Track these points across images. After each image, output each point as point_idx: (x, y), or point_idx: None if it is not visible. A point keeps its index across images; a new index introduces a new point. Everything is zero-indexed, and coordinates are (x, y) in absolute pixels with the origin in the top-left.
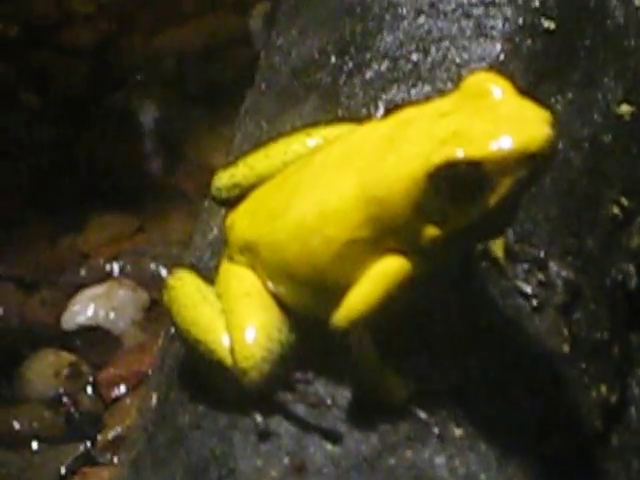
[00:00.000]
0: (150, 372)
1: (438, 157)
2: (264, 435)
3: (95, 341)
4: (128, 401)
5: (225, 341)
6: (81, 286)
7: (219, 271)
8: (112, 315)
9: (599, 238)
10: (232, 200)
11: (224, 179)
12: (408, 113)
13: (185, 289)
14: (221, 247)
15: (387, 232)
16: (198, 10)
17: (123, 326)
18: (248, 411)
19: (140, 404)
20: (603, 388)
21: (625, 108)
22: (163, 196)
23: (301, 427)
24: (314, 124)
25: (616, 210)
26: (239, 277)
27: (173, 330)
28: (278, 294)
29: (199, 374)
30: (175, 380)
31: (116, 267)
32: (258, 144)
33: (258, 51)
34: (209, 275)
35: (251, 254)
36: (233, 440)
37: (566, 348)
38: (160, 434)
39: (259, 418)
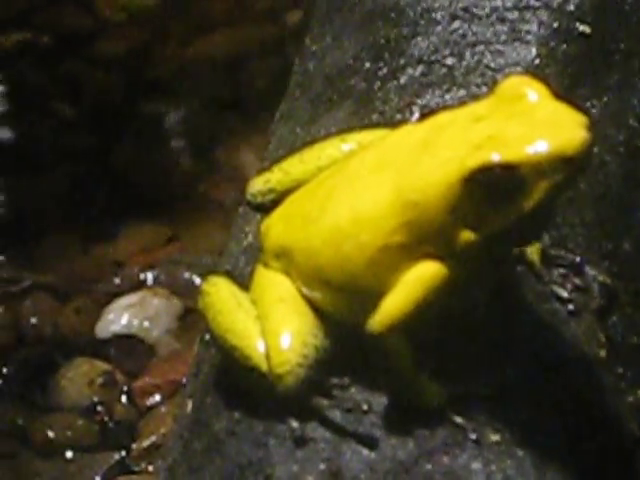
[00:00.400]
0: (184, 380)
1: (473, 161)
2: (300, 441)
3: (129, 350)
4: (163, 409)
5: (260, 347)
6: (115, 295)
7: (254, 277)
8: (146, 324)
9: (635, 242)
10: (267, 205)
11: (259, 184)
12: (443, 117)
13: (220, 295)
14: (256, 254)
15: (422, 237)
16: (230, 18)
17: (157, 335)
18: (284, 417)
19: (175, 411)
20: (639, 393)
21: None
22: (196, 205)
23: (337, 433)
24: (348, 129)
25: None
26: (274, 283)
27: (208, 336)
28: (313, 299)
29: (235, 380)
30: (210, 387)
31: (150, 276)
32: (293, 149)
33: (290, 59)
34: (244, 281)
35: (286, 259)
36: (269, 446)
37: (602, 353)
38: (196, 441)
39: (295, 424)
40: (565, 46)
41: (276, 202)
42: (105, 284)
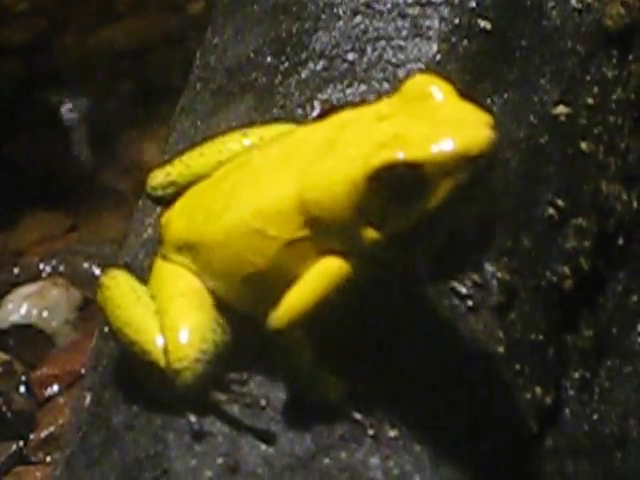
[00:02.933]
0: (83, 371)
1: (378, 160)
2: (198, 435)
3: (28, 340)
4: (61, 400)
5: (159, 342)
6: (14, 285)
7: (153, 270)
8: (45, 314)
9: (534, 239)
10: (167, 198)
11: (160, 177)
12: (348, 115)
13: (119, 289)
14: (155, 246)
15: (327, 234)
16: (132, 9)
17: (56, 325)
18: (182, 411)
19: (74, 404)
20: (538, 389)
21: (561, 109)
22: (96, 195)
23: (235, 427)
24: (250, 123)
25: (551, 211)
26: (174, 277)
27: (107, 329)
28: (217, 293)
29: (133, 374)
30: (109, 380)
31: (49, 266)
32: (194, 143)
33: (192, 50)
34: (143, 274)
35: (188, 253)
36: (167, 440)
37: (501, 349)
38: (94, 434)
39: (193, 418)
40: (466, 42)
41: (176, 195)
42: (4, 274)
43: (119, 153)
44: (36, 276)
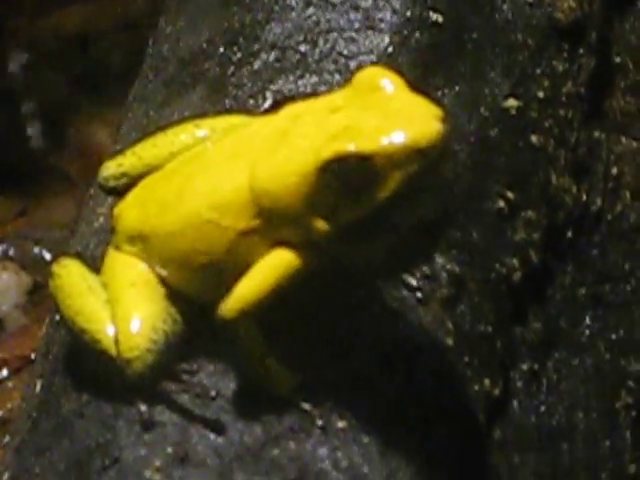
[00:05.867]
0: (33, 356)
1: (328, 151)
2: (148, 425)
3: None
4: (10, 384)
5: (110, 331)
6: None
7: (105, 260)
8: None
9: (484, 231)
10: (120, 189)
11: (112, 168)
12: (300, 107)
13: (70, 278)
14: (107, 235)
15: (278, 225)
16: None
17: (5, 309)
18: (132, 400)
19: (24, 390)
20: (486, 381)
21: (511, 102)
22: (46, 179)
23: (185, 417)
24: (202, 114)
25: (501, 204)
26: (125, 267)
27: (58, 317)
28: (170, 283)
29: (84, 362)
30: (60, 367)
31: None
32: (146, 133)
33: (142, 36)
34: (95, 264)
35: (141, 243)
36: (117, 429)
37: (450, 341)
38: (44, 421)
39: (143, 408)
40: (418, 35)
41: (129, 186)
42: None
43: (69, 137)
44: None
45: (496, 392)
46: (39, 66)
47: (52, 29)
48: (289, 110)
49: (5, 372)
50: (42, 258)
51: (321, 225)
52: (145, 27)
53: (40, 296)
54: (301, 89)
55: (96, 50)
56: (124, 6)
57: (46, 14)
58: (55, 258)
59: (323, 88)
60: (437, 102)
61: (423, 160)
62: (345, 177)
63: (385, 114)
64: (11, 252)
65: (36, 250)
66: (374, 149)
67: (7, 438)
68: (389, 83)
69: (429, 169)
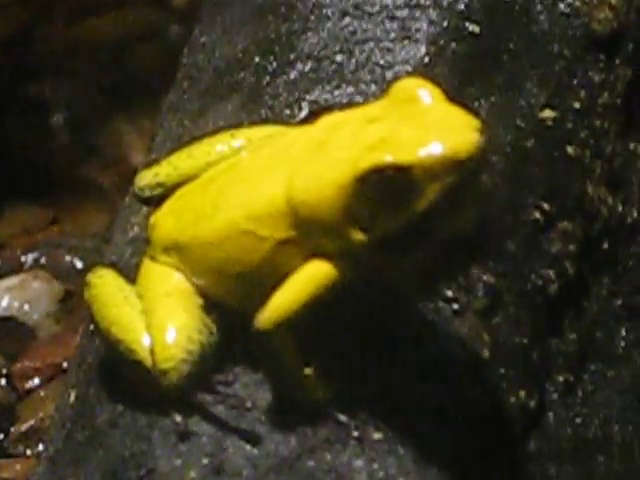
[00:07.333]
0: (64, 365)
1: (366, 162)
2: (183, 435)
3: (9, 332)
4: (42, 393)
5: (145, 342)
6: None
7: (140, 270)
8: (26, 307)
9: (520, 243)
10: (155, 199)
11: (147, 178)
12: (337, 118)
13: (106, 288)
14: (142, 245)
15: (315, 235)
16: (116, 1)
17: (37, 318)
18: (168, 411)
19: (58, 400)
20: (522, 393)
21: (547, 113)
22: (78, 188)
23: (221, 428)
24: (237, 124)
25: (537, 215)
26: (161, 277)
27: (93, 327)
28: (205, 293)
29: (119, 373)
30: (94, 378)
31: (31, 258)
32: (181, 143)
33: (175, 44)
34: (130, 273)
35: (177, 254)
36: (152, 439)
37: (486, 353)
38: (78, 432)
39: (179, 418)
40: (454, 45)
41: (164, 196)
42: None
43: (101, 146)
44: (17, 269)
45: (532, 404)
46: (71, 75)
47: (84, 38)
48: (326, 120)
49: (37, 381)
50: (74, 267)
51: (358, 236)
52: (177, 36)
53: (71, 305)
54: (337, 99)
55: (128, 59)
56: (156, 15)
57: (78, 23)
58: (87, 267)
59: (359, 98)
60: (474, 113)
61: (461, 171)
62: (383, 188)
63: (423, 125)
64: (43, 260)
65: (68, 258)
66: (412, 160)
67: (40, 447)
68: (427, 94)
69: (466, 180)
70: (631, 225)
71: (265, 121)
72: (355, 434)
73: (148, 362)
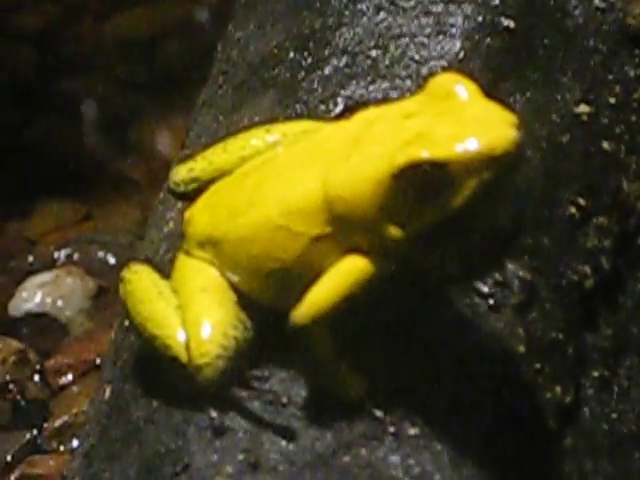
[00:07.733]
0: (97, 361)
1: (402, 158)
2: (219, 431)
3: (42, 328)
4: (75, 389)
5: (180, 337)
6: (28, 273)
7: (175, 265)
8: (60, 303)
9: (556, 238)
10: (190, 194)
11: (182, 173)
12: (373, 113)
13: (141, 283)
14: (177, 241)
15: (351, 231)
16: None
17: (70, 314)
18: (203, 407)
19: (93, 396)
20: (557, 388)
21: (583, 108)
22: (111, 184)
23: (256, 424)
24: (272, 119)
25: (573, 210)
26: (196, 272)
27: (127, 323)
28: (240, 288)
29: (154, 368)
30: (129, 373)
31: (64, 254)
32: (215, 138)
33: (207, 40)
34: (164, 269)
35: (212, 249)
36: (188, 435)
37: (521, 348)
38: (114, 428)
39: (214, 414)
40: (489, 40)
41: (199, 191)
42: (18, 262)
43: (133, 142)
44: (51, 265)
45: (567, 399)
46: (103, 70)
47: (116, 33)
48: (362, 116)
49: (70, 377)
50: (106, 262)
51: (394, 232)
52: (209, 31)
53: (105, 301)
54: (372, 95)
55: (160, 54)
56: (188, 10)
57: (110, 18)
58: (119, 262)
59: (394, 93)
60: (510, 108)
61: (497, 167)
62: (419, 184)
63: (459, 120)
64: (75, 257)
65: (101, 254)
66: (449, 156)
67: (73, 443)
68: (463, 89)
69: (503, 176)
70: None
71: (300, 116)
72: (391, 430)
73: (183, 358)
